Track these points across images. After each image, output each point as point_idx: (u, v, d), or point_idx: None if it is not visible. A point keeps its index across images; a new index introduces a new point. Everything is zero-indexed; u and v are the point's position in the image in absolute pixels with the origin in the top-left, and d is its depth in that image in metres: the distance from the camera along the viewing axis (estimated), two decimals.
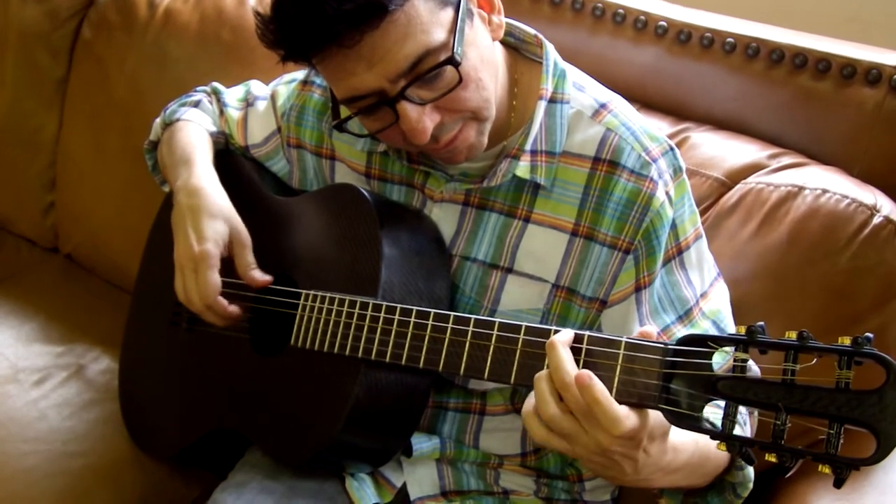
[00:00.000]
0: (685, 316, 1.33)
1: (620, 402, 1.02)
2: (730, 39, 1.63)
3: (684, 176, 1.35)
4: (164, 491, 1.64)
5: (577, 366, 1.06)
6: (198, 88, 1.67)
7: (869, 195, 1.46)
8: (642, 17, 1.70)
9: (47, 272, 2.16)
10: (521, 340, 1.15)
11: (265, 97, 1.60)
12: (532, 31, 1.36)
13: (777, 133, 1.61)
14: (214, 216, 1.40)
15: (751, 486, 1.24)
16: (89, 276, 2.13)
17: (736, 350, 0.98)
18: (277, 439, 1.39)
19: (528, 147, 1.32)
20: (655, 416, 1.06)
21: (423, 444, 1.43)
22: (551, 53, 1.36)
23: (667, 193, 1.30)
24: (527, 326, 1.15)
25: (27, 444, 1.67)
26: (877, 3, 1.93)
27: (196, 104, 1.63)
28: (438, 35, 1.19)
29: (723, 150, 1.59)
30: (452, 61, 1.19)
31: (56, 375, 1.83)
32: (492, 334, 1.17)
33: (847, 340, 0.91)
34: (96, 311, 2.01)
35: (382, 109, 1.23)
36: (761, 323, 0.97)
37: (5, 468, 1.63)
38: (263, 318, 1.45)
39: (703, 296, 1.35)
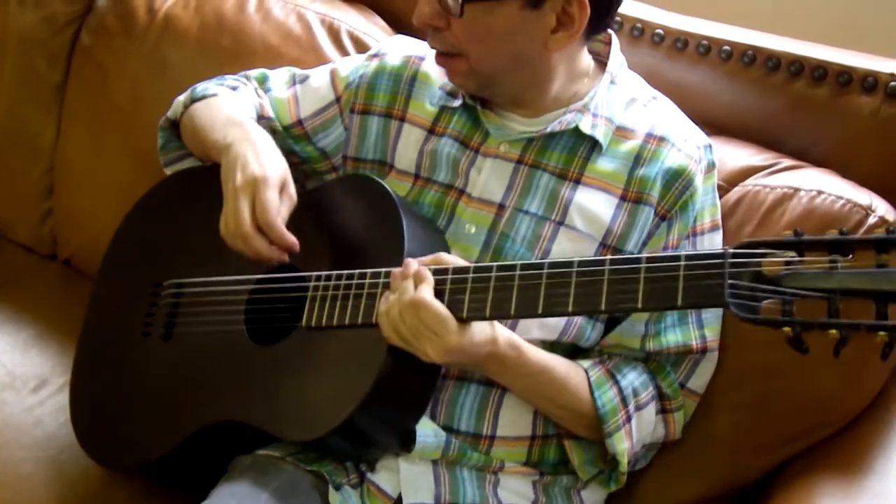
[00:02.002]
0: None
1: (687, 305, 1.16)
2: (726, 47, 1.65)
3: (714, 172, 1.46)
4: (155, 497, 1.63)
5: (638, 284, 1.18)
6: (238, 75, 1.67)
7: (864, 196, 1.48)
8: (639, 25, 1.72)
9: (44, 278, 2.14)
10: (574, 273, 1.22)
11: (321, 74, 1.63)
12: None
13: (773, 139, 1.63)
14: (276, 155, 1.42)
15: (623, 471, 1.42)
16: (87, 283, 2.08)
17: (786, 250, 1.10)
18: (292, 418, 1.38)
19: (591, 108, 1.42)
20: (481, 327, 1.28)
21: (428, 437, 1.42)
22: (616, 48, 1.50)
23: (701, 178, 1.42)
24: (579, 260, 1.23)
25: (24, 450, 1.67)
26: (873, 10, 1.95)
27: (234, 88, 1.62)
28: None
29: (720, 155, 1.60)
30: (449, 9, 1.33)
31: (53, 382, 1.82)
32: (542, 273, 1.24)
33: (882, 230, 1.14)
34: None
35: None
36: (800, 229, 1.10)
37: (2, 475, 1.63)
38: (259, 310, 1.46)
39: None
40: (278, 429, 1.40)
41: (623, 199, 1.43)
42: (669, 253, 1.35)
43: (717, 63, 1.66)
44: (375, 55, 1.61)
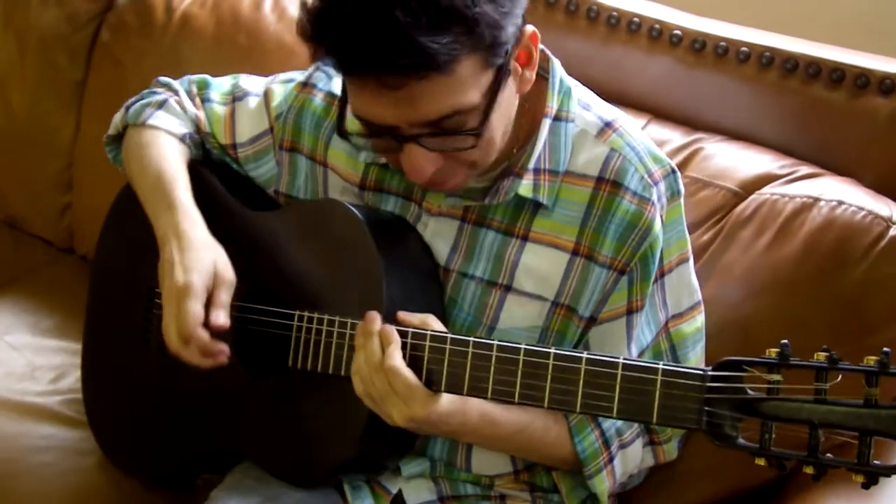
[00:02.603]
0: (654, 337, 1.36)
1: (662, 424, 1.14)
2: (744, 49, 1.63)
3: (681, 200, 1.36)
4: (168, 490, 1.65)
5: (614, 391, 1.13)
6: (160, 79, 1.62)
7: (885, 207, 1.47)
8: (657, 26, 1.70)
9: (62, 272, 2.16)
10: (521, 361, 1.18)
11: (257, 94, 1.55)
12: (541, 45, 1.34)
13: (790, 143, 1.61)
14: (199, 250, 1.35)
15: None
16: None
17: (770, 372, 1.04)
18: (284, 461, 1.40)
19: (531, 165, 1.32)
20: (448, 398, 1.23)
21: (413, 468, 1.43)
22: (558, 70, 1.36)
23: (661, 217, 1.32)
24: (525, 348, 1.18)
25: (44, 439, 1.68)
26: (892, 13, 1.93)
27: (161, 105, 1.54)
28: (473, 97, 1.18)
29: (736, 161, 1.60)
30: (478, 132, 1.20)
31: (72, 373, 1.83)
32: (491, 355, 1.20)
33: (872, 361, 0.99)
34: None
35: (390, 140, 1.22)
36: (785, 341, 1.03)
37: (21, 463, 1.64)
38: (249, 337, 1.43)
39: (675, 317, 1.38)
40: (276, 471, 1.41)
41: (575, 253, 1.33)
42: (635, 318, 1.33)
43: (734, 65, 1.64)
44: (305, 84, 1.50)
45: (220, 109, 1.56)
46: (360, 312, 1.28)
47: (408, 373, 1.21)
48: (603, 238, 1.31)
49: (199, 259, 1.33)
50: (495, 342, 1.20)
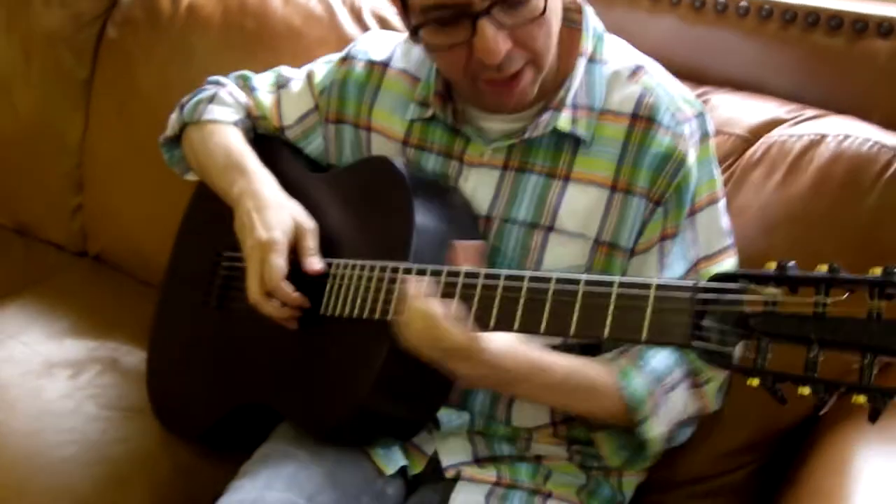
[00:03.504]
0: (685, 275, 1.37)
1: (650, 341, 1.06)
2: (743, 3, 1.67)
3: (711, 141, 1.39)
4: (198, 474, 1.65)
5: (607, 311, 1.09)
6: (210, 78, 1.68)
7: (891, 137, 1.49)
8: None
9: (76, 274, 2.17)
10: (580, 292, 1.12)
11: (300, 78, 1.63)
12: None
13: (794, 90, 1.64)
14: (278, 208, 1.43)
15: (655, 449, 1.38)
16: (119, 276, 2.15)
17: (767, 286, 0.97)
18: (306, 409, 1.40)
19: (568, 101, 1.35)
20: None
21: (452, 420, 1.45)
22: (590, 17, 1.40)
23: (695, 153, 1.35)
24: (586, 279, 1.13)
25: (65, 433, 1.68)
26: None
27: (212, 99, 1.62)
28: None
29: (743, 110, 1.62)
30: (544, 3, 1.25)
31: (90, 369, 1.83)
32: (548, 288, 1.15)
33: (878, 271, 0.90)
34: (127, 308, 2.02)
35: (461, 24, 1.26)
36: (792, 262, 0.96)
37: (44, 457, 1.63)
38: (300, 290, 1.46)
39: (706, 258, 1.39)
40: (297, 418, 1.43)
41: (613, 189, 1.36)
42: (668, 245, 1.35)
43: (734, 19, 1.67)
44: (345, 58, 1.57)
45: (266, 98, 1.63)
46: (389, 255, 1.30)
47: (455, 328, 1.20)
48: (639, 170, 1.34)
49: (278, 216, 1.41)
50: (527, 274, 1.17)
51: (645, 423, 1.34)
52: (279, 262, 1.37)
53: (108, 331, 1.95)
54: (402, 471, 1.44)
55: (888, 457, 1.35)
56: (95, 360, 1.86)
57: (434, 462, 1.45)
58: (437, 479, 1.44)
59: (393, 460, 1.43)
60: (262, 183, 1.48)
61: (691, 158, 1.34)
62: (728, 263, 1.40)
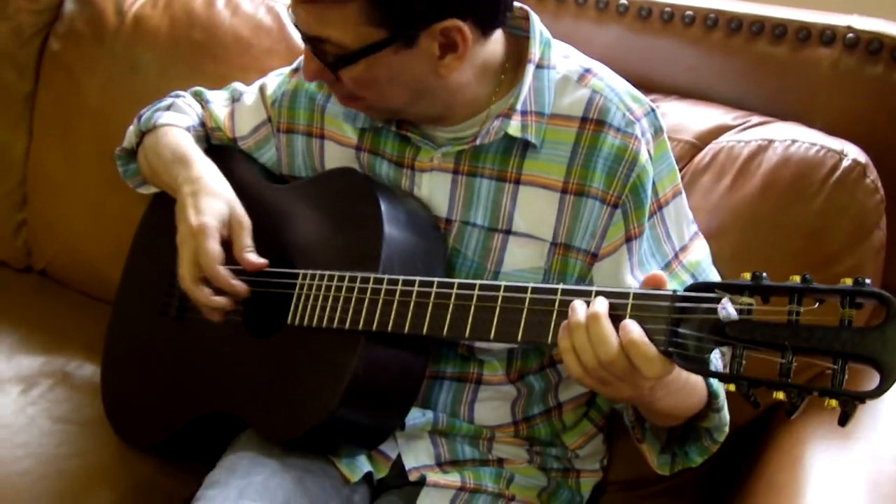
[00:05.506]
0: (665, 269, 1.38)
1: None
2: (689, 12, 1.70)
3: (664, 136, 1.40)
4: (158, 486, 1.64)
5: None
6: (170, 95, 1.69)
7: (836, 142, 1.54)
8: None
9: (22, 291, 2.14)
10: (527, 300, 1.19)
11: (253, 91, 1.64)
12: (517, 3, 1.41)
13: (739, 98, 1.68)
14: (214, 196, 1.44)
15: (726, 429, 1.32)
16: (65, 291, 2.13)
17: (742, 295, 1.02)
18: (272, 417, 1.39)
19: (518, 107, 1.36)
20: None
21: (416, 419, 1.46)
22: (537, 24, 1.41)
23: (648, 151, 1.36)
24: (533, 287, 1.19)
25: (20, 448, 1.67)
26: None
27: (168, 107, 1.65)
28: (345, 39, 1.27)
29: (690, 116, 1.66)
30: (334, 68, 1.31)
31: (42, 383, 1.82)
32: (498, 296, 1.21)
33: (849, 281, 0.95)
34: (76, 323, 2.00)
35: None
36: (764, 273, 1.01)
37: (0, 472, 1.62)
38: (258, 301, 1.46)
39: (682, 249, 1.40)
40: (262, 426, 1.42)
41: (564, 191, 1.36)
42: (635, 245, 1.36)
43: (680, 28, 1.70)
44: (297, 69, 1.58)
45: (221, 111, 1.66)
46: (357, 269, 1.32)
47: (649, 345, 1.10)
48: (592, 172, 1.35)
49: (214, 203, 1.42)
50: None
51: (723, 409, 1.32)
52: (214, 246, 1.38)
53: (57, 345, 1.93)
54: (368, 477, 1.45)
55: (839, 451, 1.39)
56: (47, 375, 1.85)
57: (398, 466, 1.46)
58: (401, 483, 1.46)
59: (357, 467, 1.44)
60: (203, 170, 1.50)
61: (644, 157, 1.35)
62: (700, 246, 1.43)
